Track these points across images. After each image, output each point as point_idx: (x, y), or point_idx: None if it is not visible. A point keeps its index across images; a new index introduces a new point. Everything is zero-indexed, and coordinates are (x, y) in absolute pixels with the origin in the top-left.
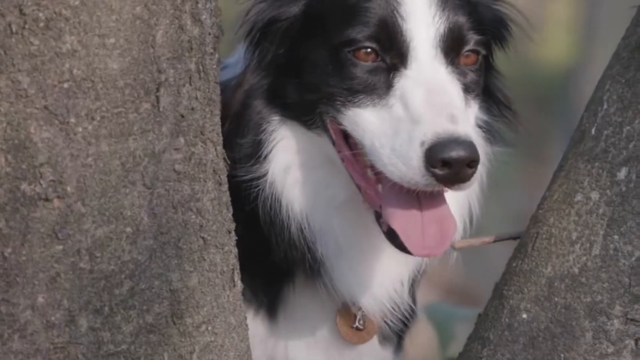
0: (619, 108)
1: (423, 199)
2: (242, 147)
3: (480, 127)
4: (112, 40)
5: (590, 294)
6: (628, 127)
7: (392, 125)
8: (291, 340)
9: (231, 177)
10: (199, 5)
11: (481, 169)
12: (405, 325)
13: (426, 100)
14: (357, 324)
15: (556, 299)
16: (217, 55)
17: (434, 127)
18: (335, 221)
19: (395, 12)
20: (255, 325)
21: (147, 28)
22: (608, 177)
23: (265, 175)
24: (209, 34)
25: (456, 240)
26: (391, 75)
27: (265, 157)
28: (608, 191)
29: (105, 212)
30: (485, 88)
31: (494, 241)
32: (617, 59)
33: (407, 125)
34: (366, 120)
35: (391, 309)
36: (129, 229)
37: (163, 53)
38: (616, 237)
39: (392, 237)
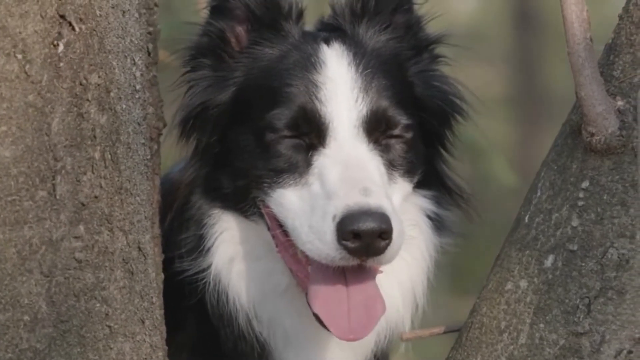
0: (549, 195)
1: (350, 278)
2: (185, 241)
3: (429, 217)
4: (4, 128)
5: None
6: (556, 214)
7: (310, 203)
8: None
9: (177, 273)
10: (112, 94)
11: (428, 259)
12: None
13: (341, 176)
14: None
15: None
16: (156, 146)
17: (345, 200)
18: (282, 309)
19: (314, 96)
20: None
21: (41, 116)
22: (536, 265)
23: (209, 268)
24: (138, 123)
25: (404, 332)
26: (310, 154)
27: (208, 250)
28: (535, 279)
29: (1, 300)
30: (434, 176)
31: (444, 332)
32: (553, 145)
33: (322, 202)
34: (289, 200)
35: None
36: (26, 317)
37: (60, 141)
38: (542, 325)
39: (321, 319)
